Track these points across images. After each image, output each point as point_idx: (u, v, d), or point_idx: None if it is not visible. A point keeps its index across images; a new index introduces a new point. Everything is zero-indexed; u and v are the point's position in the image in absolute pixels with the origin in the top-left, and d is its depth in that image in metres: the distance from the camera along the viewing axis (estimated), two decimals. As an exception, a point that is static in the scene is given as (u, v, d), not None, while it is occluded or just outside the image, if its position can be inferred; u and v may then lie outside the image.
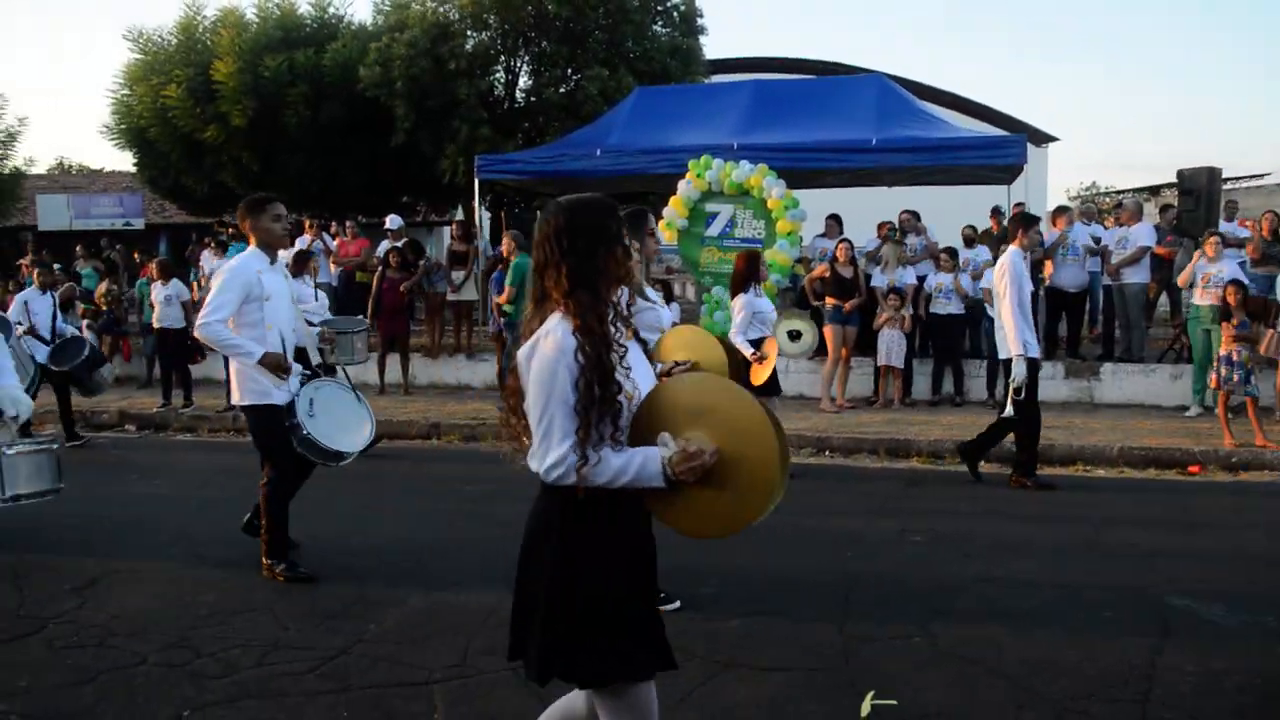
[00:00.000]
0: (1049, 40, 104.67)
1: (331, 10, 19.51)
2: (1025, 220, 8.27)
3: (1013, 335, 7.61)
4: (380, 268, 13.23)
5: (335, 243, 14.92)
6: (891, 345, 11.79)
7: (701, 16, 19.59)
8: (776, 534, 5.01)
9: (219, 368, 12.50)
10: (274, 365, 5.48)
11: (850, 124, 13.28)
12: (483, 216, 16.61)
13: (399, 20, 17.51)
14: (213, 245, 16.08)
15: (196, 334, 5.62)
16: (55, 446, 3.46)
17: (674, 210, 12.55)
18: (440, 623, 5.04)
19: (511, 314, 11.37)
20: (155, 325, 12.51)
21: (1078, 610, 5.14)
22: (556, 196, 11.42)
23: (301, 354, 6.15)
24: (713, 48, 22.60)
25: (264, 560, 5.75)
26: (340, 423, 5.81)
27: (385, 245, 13.85)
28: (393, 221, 14.40)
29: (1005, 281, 7.70)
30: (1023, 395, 7.67)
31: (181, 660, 4.61)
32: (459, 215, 20.22)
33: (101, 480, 8.76)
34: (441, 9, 17.64)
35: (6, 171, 23.78)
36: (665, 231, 12.18)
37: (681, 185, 12.36)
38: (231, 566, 5.98)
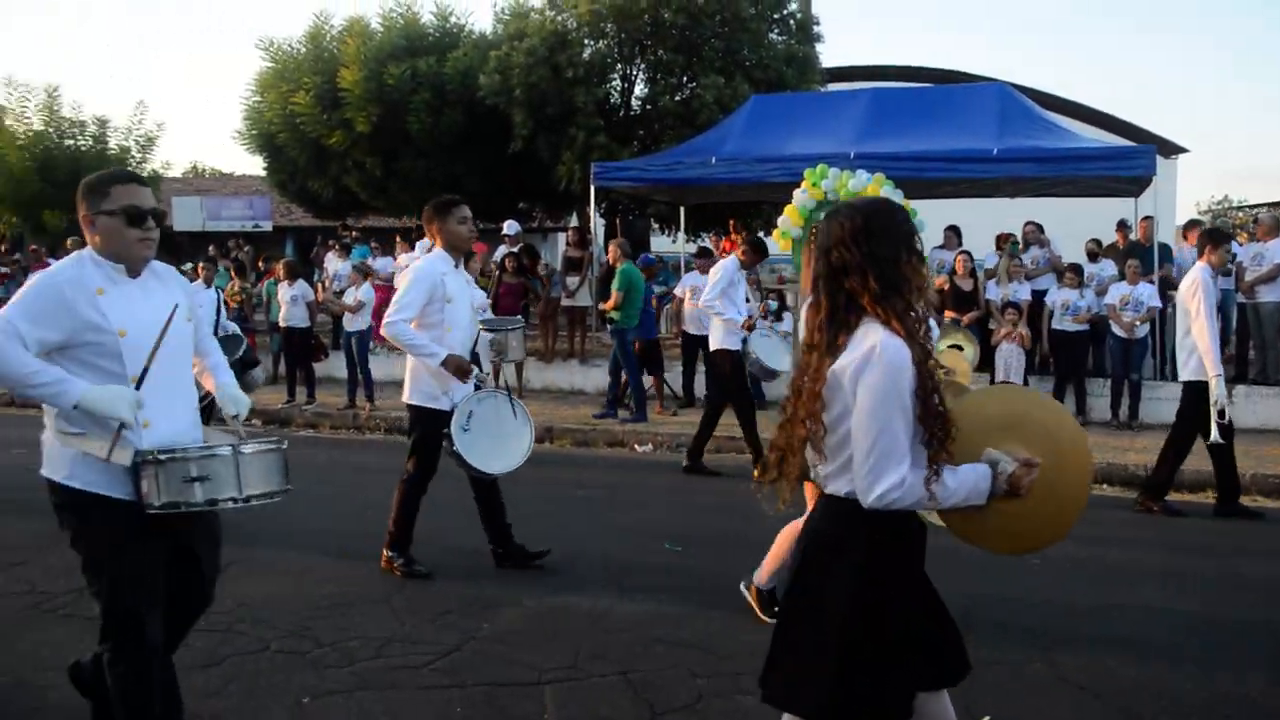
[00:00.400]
0: (1178, 46, 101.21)
1: (453, 20, 19.94)
2: (1215, 237, 7.83)
3: (1211, 355, 7.23)
4: (497, 272, 13.46)
5: (453, 247, 15.20)
6: (1010, 361, 11.52)
7: (818, 24, 19.45)
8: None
9: (340, 366, 12.89)
10: (456, 368, 5.55)
11: (970, 133, 13.04)
12: (598, 223, 16.78)
13: (518, 29, 17.79)
14: (336, 248, 16.59)
15: (382, 333, 5.74)
16: (284, 446, 3.38)
17: (788, 219, 12.45)
18: (552, 624, 5.10)
19: (617, 320, 11.44)
20: (281, 324, 12.94)
21: (1205, 643, 4.95)
22: (671, 204, 11.46)
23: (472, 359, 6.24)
24: (829, 56, 22.38)
25: (384, 553, 5.89)
26: (497, 437, 5.76)
27: (502, 250, 14.09)
28: (510, 227, 14.64)
29: (1199, 300, 7.28)
30: (1226, 417, 7.30)
31: (303, 648, 4.75)
32: (574, 221, 20.46)
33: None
34: (560, 18, 17.87)
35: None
36: (780, 240, 12.12)
37: (796, 194, 12.26)
38: (351, 560, 6.15)
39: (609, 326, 11.73)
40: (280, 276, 13.31)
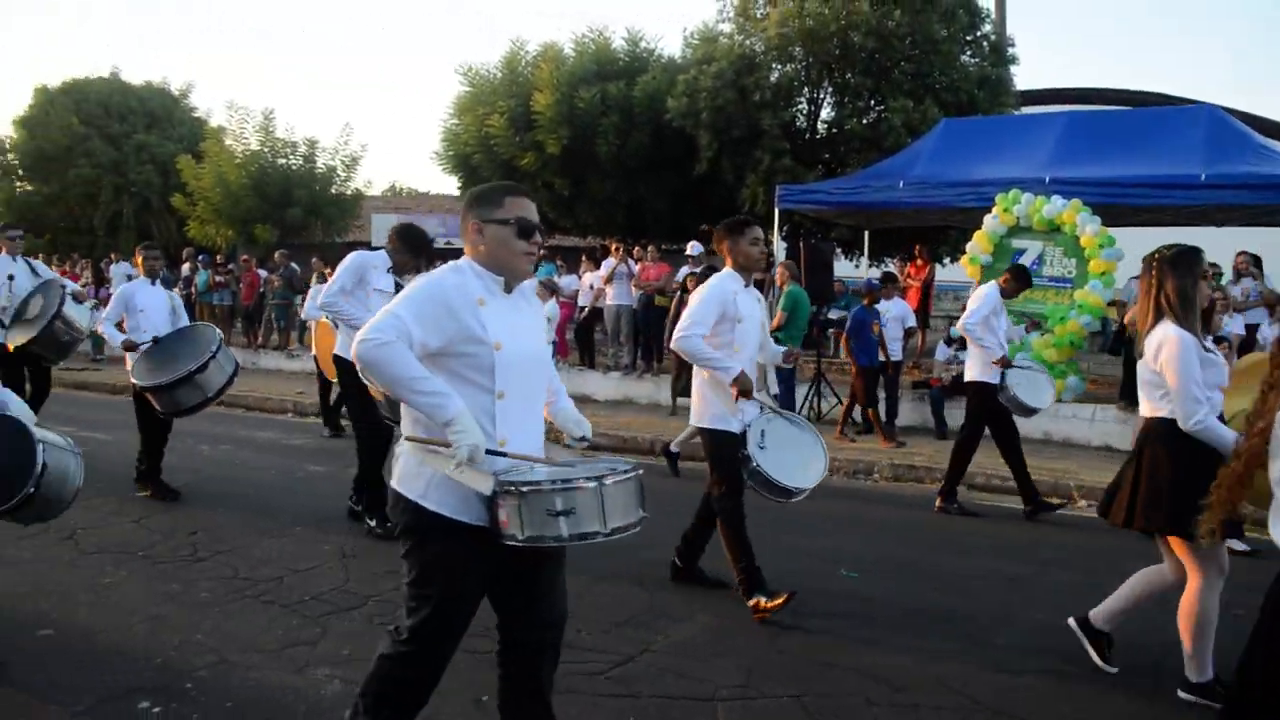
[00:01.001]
0: None
1: (643, 44, 20.35)
2: None
3: None
4: (679, 292, 13.60)
5: (637, 266, 15.48)
6: (1216, 398, 10.89)
7: (1013, 46, 19.01)
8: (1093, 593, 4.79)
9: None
10: (744, 388, 5.40)
11: (1175, 158, 12.43)
12: (779, 246, 16.76)
13: (707, 53, 18.00)
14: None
15: (674, 346, 5.68)
16: (640, 472, 3.23)
17: (978, 245, 12.19)
18: (726, 641, 5.11)
19: (780, 339, 11.38)
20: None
21: None
22: (855, 228, 11.20)
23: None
24: (1024, 78, 21.79)
25: (754, 600, 5.53)
26: (792, 455, 5.62)
27: (685, 270, 14.24)
28: (694, 248, 14.78)
29: None
30: None
31: (484, 649, 4.85)
32: (754, 244, 20.48)
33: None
34: (748, 42, 17.99)
35: (349, 192, 26.29)
36: (968, 267, 11.86)
37: (987, 220, 11.99)
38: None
39: None
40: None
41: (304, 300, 19.20)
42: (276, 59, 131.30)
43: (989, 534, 7.70)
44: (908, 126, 16.39)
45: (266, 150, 25.57)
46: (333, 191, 25.98)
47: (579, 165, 18.95)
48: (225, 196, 24.43)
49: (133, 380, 7.73)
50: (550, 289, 13.30)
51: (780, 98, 17.45)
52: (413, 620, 3.20)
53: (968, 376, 8.34)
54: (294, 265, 19.43)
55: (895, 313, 12.17)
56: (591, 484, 3.01)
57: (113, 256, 24.75)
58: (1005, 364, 8.01)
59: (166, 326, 8.07)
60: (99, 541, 6.80)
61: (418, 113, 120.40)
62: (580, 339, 16.09)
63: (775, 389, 5.99)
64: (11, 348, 8.50)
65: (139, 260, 8.46)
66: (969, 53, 18.38)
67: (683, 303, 13.14)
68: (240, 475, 9.04)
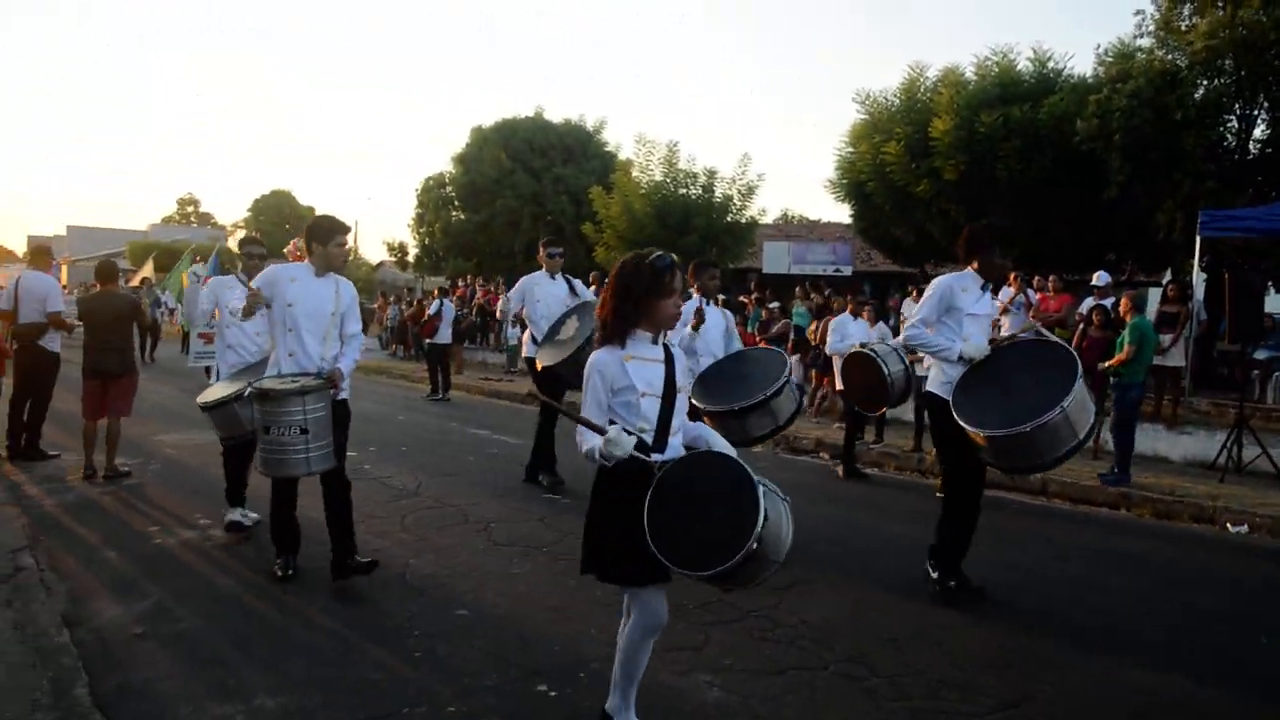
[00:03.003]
0: None
1: (1051, 65, 19.44)
2: None
3: None
4: (1081, 325, 12.85)
5: (1036, 296, 14.80)
6: None
7: None
8: None
9: (908, 410, 13.05)
10: None
11: None
12: (1197, 277, 15.36)
13: (1121, 71, 16.89)
14: (914, 294, 16.82)
15: None
16: None
17: None
18: (1113, 698, 4.77)
19: (1122, 374, 10.35)
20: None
21: None
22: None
23: None
24: None
25: None
26: None
27: (1089, 302, 13.42)
28: (1100, 278, 13.91)
29: None
30: None
31: (859, 674, 4.91)
32: (1168, 276, 18.96)
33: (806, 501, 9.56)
34: (1170, 57, 16.68)
35: (744, 220, 27.08)
36: None
37: None
38: (907, 598, 6.22)
39: (1111, 380, 10.65)
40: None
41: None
42: (680, 101, 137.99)
43: None
44: (1364, 144, 14.51)
45: (669, 181, 26.88)
46: (729, 220, 26.87)
47: (976, 191, 18.42)
48: (630, 224, 25.97)
49: (700, 406, 6.91)
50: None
51: (1206, 116, 16.01)
52: None
53: None
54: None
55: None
56: None
57: (529, 279, 27.07)
58: None
59: (722, 349, 7.71)
60: (509, 535, 7.49)
61: (811, 142, 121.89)
62: (970, 369, 15.61)
63: None
64: (540, 366, 8.30)
65: (692, 279, 8.07)
66: None
67: (1085, 337, 12.42)
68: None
